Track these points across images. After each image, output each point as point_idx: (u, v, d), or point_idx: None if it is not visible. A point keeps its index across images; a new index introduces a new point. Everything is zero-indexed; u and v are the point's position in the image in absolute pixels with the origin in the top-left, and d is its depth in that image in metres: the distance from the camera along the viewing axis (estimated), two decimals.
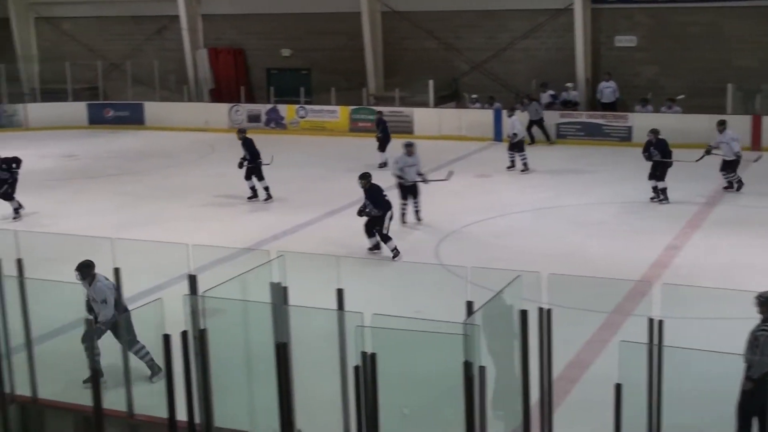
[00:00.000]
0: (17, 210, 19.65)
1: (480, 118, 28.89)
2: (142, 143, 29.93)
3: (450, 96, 31.39)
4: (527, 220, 18.74)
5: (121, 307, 10.44)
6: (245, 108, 31.97)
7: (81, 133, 32.05)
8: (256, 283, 8.23)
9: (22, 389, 9.74)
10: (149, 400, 9.17)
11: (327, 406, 8.16)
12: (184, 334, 7.82)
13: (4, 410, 9.10)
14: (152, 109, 33.10)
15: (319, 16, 33.31)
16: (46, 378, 9.95)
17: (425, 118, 29.66)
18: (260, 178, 20.84)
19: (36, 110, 33.37)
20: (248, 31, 34.48)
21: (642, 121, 26.06)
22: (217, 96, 34.28)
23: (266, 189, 20.88)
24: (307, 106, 31.34)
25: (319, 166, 25.05)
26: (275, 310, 7.68)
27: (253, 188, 20.86)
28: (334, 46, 33.00)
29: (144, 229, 17.54)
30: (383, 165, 23.66)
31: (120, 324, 9.82)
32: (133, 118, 33.01)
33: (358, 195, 16.63)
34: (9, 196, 19.54)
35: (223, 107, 32.42)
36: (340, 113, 30.68)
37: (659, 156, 19.57)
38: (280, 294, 7.70)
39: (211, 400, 8.02)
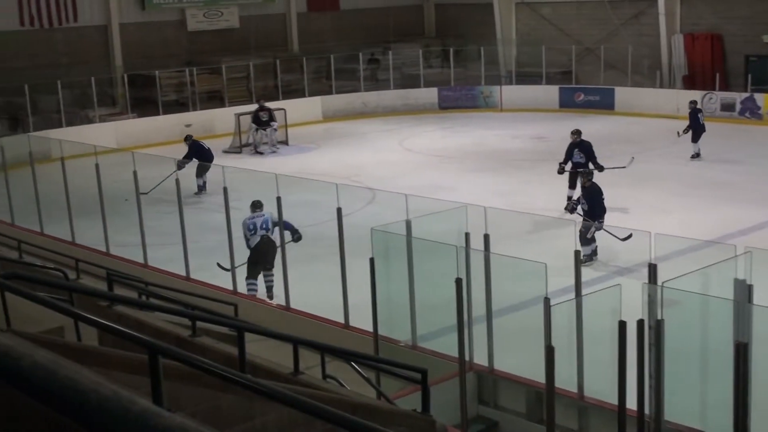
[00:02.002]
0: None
1: None
2: (610, 128, 29.95)
3: None
4: None
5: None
6: (719, 96, 30.80)
7: (551, 115, 32.76)
8: (718, 278, 7.93)
9: (480, 359, 10.22)
10: (600, 385, 9.19)
11: None
12: (641, 323, 7.74)
13: (462, 377, 9.59)
14: (623, 94, 32.98)
15: None
16: (503, 351, 10.36)
17: None
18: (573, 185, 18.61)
19: (510, 92, 34.66)
20: (728, 15, 33.09)
21: None
22: (689, 83, 33.37)
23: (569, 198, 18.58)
24: None
25: None
26: (737, 308, 7.36)
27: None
28: None
29: (606, 214, 17.54)
30: (695, 156, 23.90)
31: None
32: (603, 103, 33.13)
33: None
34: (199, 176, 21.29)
35: (696, 95, 31.47)
36: None
37: None
38: (744, 292, 7.37)
39: (662, 393, 7.87)
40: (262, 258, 13.98)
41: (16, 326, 5.72)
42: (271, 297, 13.82)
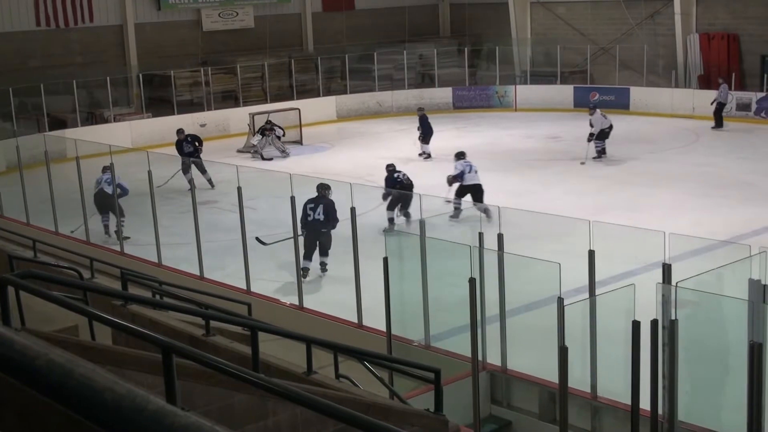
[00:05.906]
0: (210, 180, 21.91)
1: None
2: (625, 128, 29.84)
3: None
4: None
5: None
6: (734, 96, 30.66)
7: (566, 115, 32.68)
8: (732, 279, 7.92)
9: (493, 358, 10.22)
10: (613, 385, 9.18)
11: None
12: (654, 322, 7.72)
13: (475, 376, 9.59)
14: (638, 94, 32.89)
15: None
16: (516, 350, 10.35)
17: None
18: None
19: (525, 92, 34.61)
20: (745, 15, 32.94)
21: None
22: (705, 83, 33.25)
23: None
24: None
25: None
26: (752, 308, 7.33)
27: None
28: None
29: (621, 214, 17.52)
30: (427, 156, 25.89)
31: None
32: (619, 103, 33.01)
33: None
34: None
35: (712, 94, 31.36)
36: None
37: None
38: (759, 292, 7.35)
39: (676, 393, 7.86)
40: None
41: (31, 325, 5.75)
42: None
